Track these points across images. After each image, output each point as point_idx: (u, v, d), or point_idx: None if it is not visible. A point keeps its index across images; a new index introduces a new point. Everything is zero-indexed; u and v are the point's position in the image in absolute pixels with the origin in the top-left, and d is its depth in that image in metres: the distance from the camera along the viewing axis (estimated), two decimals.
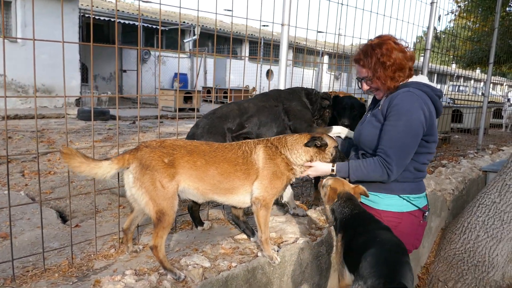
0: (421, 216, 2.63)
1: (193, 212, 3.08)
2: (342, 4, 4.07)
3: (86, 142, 7.22)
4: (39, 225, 3.24)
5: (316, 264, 2.92)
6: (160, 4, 2.84)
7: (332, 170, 2.61)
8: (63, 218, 3.79)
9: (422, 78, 2.52)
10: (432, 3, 5.18)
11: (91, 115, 2.91)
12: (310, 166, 2.62)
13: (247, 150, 2.54)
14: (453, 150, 7.45)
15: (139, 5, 2.98)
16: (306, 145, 2.57)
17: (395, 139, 2.36)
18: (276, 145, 2.62)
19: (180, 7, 2.89)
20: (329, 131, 2.97)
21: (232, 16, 3.08)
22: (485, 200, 4.00)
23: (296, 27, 3.56)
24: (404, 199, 2.56)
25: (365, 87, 2.55)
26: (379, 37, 2.48)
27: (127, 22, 16.28)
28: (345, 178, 2.56)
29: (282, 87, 3.58)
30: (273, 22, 3.51)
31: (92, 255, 2.66)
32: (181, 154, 2.37)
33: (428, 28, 5.21)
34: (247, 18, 3.47)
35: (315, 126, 3.09)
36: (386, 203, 2.57)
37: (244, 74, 3.68)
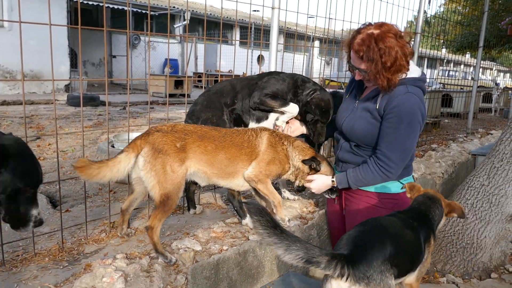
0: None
1: (189, 193, 3.09)
2: None
3: (75, 128, 7.17)
4: None
5: None
6: None
7: (333, 182, 2.68)
8: (53, 203, 3.77)
9: (415, 71, 2.47)
10: None
11: (81, 101, 2.88)
12: (311, 180, 2.73)
13: (253, 134, 2.63)
14: (443, 134, 7.52)
15: None
16: (303, 161, 2.72)
17: (397, 143, 2.36)
18: (281, 137, 2.76)
19: None
20: (285, 106, 2.97)
21: (221, 8, 3.05)
22: (474, 183, 4.03)
23: (286, 10, 3.52)
24: (399, 182, 2.60)
25: (358, 76, 2.46)
26: (381, 26, 2.31)
27: (116, 6, 16.00)
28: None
29: (273, 65, 3.61)
30: (263, 6, 3.48)
31: (82, 240, 2.65)
32: (193, 139, 2.40)
33: (419, 12, 5.19)
34: (237, 2, 3.44)
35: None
36: (383, 186, 2.60)
37: (234, 59, 3.65)
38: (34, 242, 2.47)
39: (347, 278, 1.61)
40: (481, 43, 7.14)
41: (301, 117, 3.04)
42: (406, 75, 2.38)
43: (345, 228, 2.73)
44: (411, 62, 2.47)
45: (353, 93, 2.68)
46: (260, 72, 3.24)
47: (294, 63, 5.19)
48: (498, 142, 3.98)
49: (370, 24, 2.36)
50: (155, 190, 2.31)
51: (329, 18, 4.43)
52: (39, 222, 1.87)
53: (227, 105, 2.98)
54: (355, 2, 4.21)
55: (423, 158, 5.02)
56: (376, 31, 2.29)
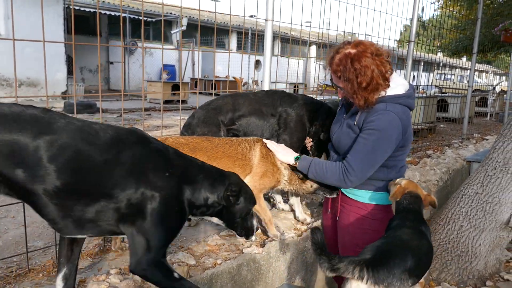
0: None
1: None
2: None
3: None
4: (23, 223, 3.25)
5: (301, 259, 2.95)
6: None
7: (297, 159, 2.64)
8: None
9: (400, 86, 2.45)
10: None
11: (76, 108, 2.90)
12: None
13: (246, 147, 2.62)
14: (439, 140, 7.55)
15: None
16: (293, 169, 2.70)
17: (362, 153, 2.37)
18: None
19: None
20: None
21: (215, 12, 3.07)
22: (468, 191, 4.05)
23: (280, 21, 3.55)
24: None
25: (341, 94, 2.50)
26: (357, 45, 2.31)
27: (113, 13, 16.05)
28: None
29: (266, 82, 3.58)
30: (257, 18, 3.50)
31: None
32: (185, 152, 2.40)
33: (412, 19, 5.23)
34: (230, 15, 3.46)
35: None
36: (373, 197, 2.60)
37: (229, 65, 3.66)
38: (28, 258, 2.48)
39: (367, 280, 1.74)
40: (475, 50, 7.18)
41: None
42: (386, 93, 2.38)
43: (338, 239, 2.73)
44: (397, 76, 2.47)
45: (343, 107, 2.70)
46: (260, 86, 3.20)
47: (291, 67, 5.21)
48: (492, 150, 4.00)
49: (348, 43, 2.36)
50: None
51: (322, 29, 4.46)
52: (257, 228, 2.21)
53: (225, 124, 2.94)
54: (349, 11, 4.24)
55: (418, 166, 5.04)
56: (353, 51, 2.29)
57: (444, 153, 5.99)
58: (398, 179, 2.41)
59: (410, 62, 5.38)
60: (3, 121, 1.54)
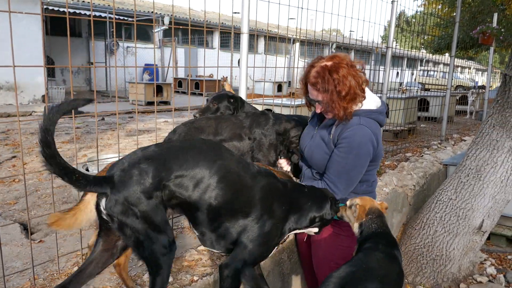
0: None
1: None
2: (302, 8, 4.10)
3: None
4: (5, 242, 3.23)
5: (278, 270, 3.01)
6: None
7: None
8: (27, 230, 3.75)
9: (373, 102, 2.52)
10: (392, 2, 5.27)
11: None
12: None
13: None
14: (418, 141, 7.68)
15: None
16: None
17: (344, 172, 2.42)
18: None
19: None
20: None
21: (189, 17, 3.09)
22: (442, 197, 4.16)
23: (257, 32, 3.58)
24: None
25: (319, 109, 2.49)
26: (333, 57, 2.39)
27: (94, 13, 15.85)
28: None
29: (243, 90, 3.61)
30: (233, 32, 3.53)
31: (55, 274, 2.67)
32: None
33: (389, 26, 5.31)
34: (219, 26, 3.47)
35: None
36: None
37: (218, 65, 3.64)
38: (6, 280, 2.48)
39: None
40: (453, 52, 7.31)
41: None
42: (362, 105, 2.44)
43: (312, 254, 2.79)
44: (369, 92, 2.52)
45: (315, 118, 2.73)
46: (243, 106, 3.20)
47: (276, 65, 5.24)
48: (465, 158, 4.11)
49: (321, 57, 2.43)
50: None
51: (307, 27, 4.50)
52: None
53: None
54: (334, 7, 4.26)
55: (395, 170, 5.14)
56: (329, 63, 2.35)
57: (422, 155, 6.10)
58: (351, 201, 2.36)
59: (388, 68, 5.46)
60: (187, 154, 1.88)
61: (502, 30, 8.64)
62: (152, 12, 19.47)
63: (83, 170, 4.23)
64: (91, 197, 2.26)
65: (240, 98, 3.32)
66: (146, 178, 1.75)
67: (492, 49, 9.97)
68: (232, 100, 3.21)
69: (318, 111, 2.52)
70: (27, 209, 2.73)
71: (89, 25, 18.06)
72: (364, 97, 2.44)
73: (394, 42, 5.76)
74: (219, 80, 17.24)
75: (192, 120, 3.05)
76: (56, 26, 16.15)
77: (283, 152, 2.98)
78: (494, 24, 8.74)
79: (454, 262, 4.09)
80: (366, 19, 4.99)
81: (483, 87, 17.88)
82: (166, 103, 14.37)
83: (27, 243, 3.28)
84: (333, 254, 2.56)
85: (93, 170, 4.41)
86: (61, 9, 14.82)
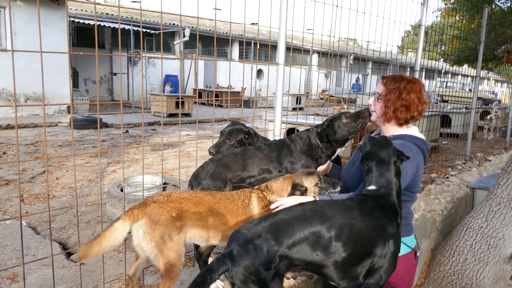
0: (413, 257, 2.77)
1: (201, 256, 3.01)
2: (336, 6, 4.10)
3: (81, 158, 7.28)
4: (45, 262, 3.35)
5: None
6: (140, 10, 2.90)
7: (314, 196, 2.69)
8: (66, 250, 3.88)
9: (414, 131, 2.63)
10: (420, 26, 5.30)
11: (82, 124, 3.00)
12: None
13: (245, 201, 2.69)
14: (442, 160, 7.65)
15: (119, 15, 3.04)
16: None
17: None
18: (264, 195, 2.75)
19: (161, 11, 2.94)
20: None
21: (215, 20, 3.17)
22: (473, 225, 4.17)
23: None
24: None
25: (371, 101, 2.68)
26: (414, 78, 2.62)
27: (116, 26, 16.20)
28: None
29: (278, 117, 3.68)
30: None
31: None
32: (188, 207, 2.51)
33: (417, 50, 5.33)
34: (230, 22, 3.56)
35: None
36: None
37: (230, 74, 3.74)
38: None
39: None
40: (478, 72, 7.30)
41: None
42: (403, 131, 2.58)
43: None
44: (413, 126, 2.64)
45: (359, 151, 2.81)
46: (260, 88, 3.24)
47: (294, 76, 5.26)
48: (496, 186, 4.12)
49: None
50: (158, 260, 2.43)
51: (326, 35, 4.54)
52: None
53: (233, 182, 2.98)
54: (353, 17, 4.26)
55: (422, 194, 5.15)
56: (409, 77, 2.63)
57: (447, 177, 6.09)
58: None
59: (418, 68, 5.40)
60: (303, 219, 2.03)
61: None
62: (172, 24, 19.79)
63: (118, 191, 4.36)
64: (120, 225, 2.39)
65: (255, 132, 3.33)
66: (260, 252, 1.94)
67: None
68: (247, 136, 3.25)
69: (369, 102, 2.71)
70: (78, 233, 2.84)
71: (113, 36, 18.45)
72: (412, 119, 2.58)
73: (411, 53, 5.74)
74: (238, 92, 17.39)
75: (219, 156, 3.07)
76: (81, 37, 16.52)
77: (319, 163, 3.07)
78: None
79: None
80: (385, 30, 4.94)
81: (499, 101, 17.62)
82: (187, 115, 14.54)
83: (68, 264, 3.41)
84: None
85: (128, 192, 4.53)
86: (86, 22, 15.16)
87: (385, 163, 2.30)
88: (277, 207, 2.53)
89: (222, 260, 1.95)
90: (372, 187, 2.30)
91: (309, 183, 2.73)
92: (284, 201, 2.57)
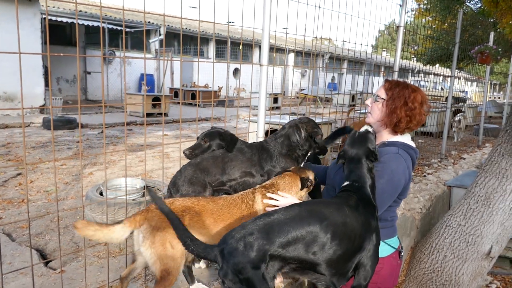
0: (397, 257, 2.81)
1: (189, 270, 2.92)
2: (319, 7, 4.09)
3: (56, 160, 7.07)
4: (23, 270, 3.23)
5: None
6: (123, 10, 2.83)
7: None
8: (44, 257, 3.76)
9: (407, 138, 2.63)
10: (398, 27, 5.37)
11: (56, 124, 2.91)
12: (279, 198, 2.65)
13: (249, 203, 2.64)
14: (418, 159, 7.79)
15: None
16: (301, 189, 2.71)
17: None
18: (267, 187, 2.71)
19: (144, 12, 2.89)
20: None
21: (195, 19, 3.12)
22: (451, 223, 4.26)
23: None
24: (384, 243, 2.71)
25: (369, 102, 2.66)
26: (417, 88, 2.60)
27: (90, 23, 15.85)
28: None
29: (262, 118, 3.64)
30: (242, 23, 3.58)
31: None
32: (191, 215, 2.45)
33: (396, 51, 5.39)
34: (214, 22, 3.52)
35: None
36: None
37: (213, 75, 3.70)
38: None
39: None
40: (453, 72, 7.46)
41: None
42: (400, 138, 2.58)
43: None
44: (407, 135, 2.65)
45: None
46: (237, 87, 3.20)
47: (270, 75, 5.19)
48: (474, 184, 4.21)
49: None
50: (156, 266, 2.38)
51: (313, 37, 4.55)
52: None
53: (212, 185, 2.89)
54: (325, 16, 4.25)
55: None
56: (413, 85, 2.60)
57: (424, 175, 6.21)
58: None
59: (397, 68, 5.43)
60: (298, 219, 2.01)
61: (500, 50, 8.82)
62: (148, 22, 19.51)
63: (97, 194, 4.25)
64: (119, 229, 2.33)
65: (232, 134, 3.15)
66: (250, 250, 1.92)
67: (488, 67, 10.16)
68: (223, 138, 3.09)
69: (367, 102, 2.69)
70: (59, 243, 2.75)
71: (86, 34, 18.04)
72: (409, 128, 2.58)
73: (384, 52, 5.80)
74: (215, 91, 17.29)
75: (198, 160, 2.98)
76: (52, 35, 16.08)
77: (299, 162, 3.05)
78: (491, 43, 8.93)
79: (463, 287, 4.17)
80: (360, 29, 4.93)
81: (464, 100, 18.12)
82: (164, 114, 14.37)
83: (47, 272, 3.30)
84: None
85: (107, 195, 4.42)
86: (59, 19, 14.76)
87: (355, 160, 2.36)
88: (274, 206, 2.54)
89: (211, 248, 1.99)
90: (347, 182, 2.35)
91: (311, 176, 2.77)
92: (274, 200, 2.59)
